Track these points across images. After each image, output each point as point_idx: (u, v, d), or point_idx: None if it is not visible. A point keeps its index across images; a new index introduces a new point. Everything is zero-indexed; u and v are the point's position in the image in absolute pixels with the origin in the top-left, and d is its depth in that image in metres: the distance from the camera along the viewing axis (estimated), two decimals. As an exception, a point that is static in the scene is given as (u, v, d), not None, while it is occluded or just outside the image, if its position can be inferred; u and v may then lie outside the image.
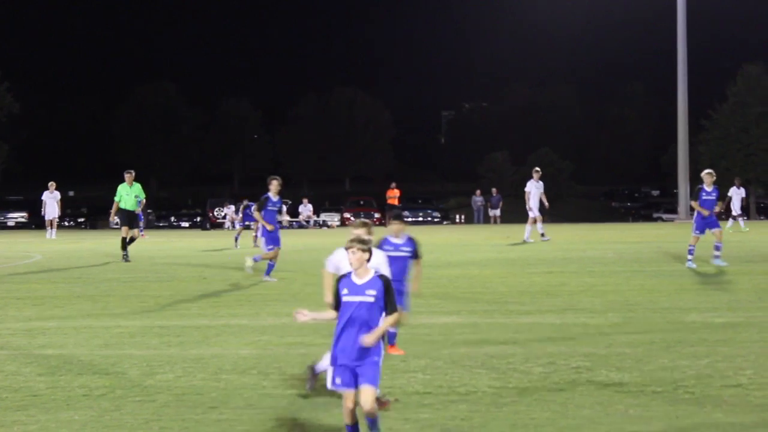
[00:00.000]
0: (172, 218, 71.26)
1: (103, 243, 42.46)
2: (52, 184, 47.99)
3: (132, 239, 29.99)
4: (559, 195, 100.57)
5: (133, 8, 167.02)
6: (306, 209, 66.45)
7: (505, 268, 25.52)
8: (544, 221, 36.82)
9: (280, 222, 24.30)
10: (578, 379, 11.87)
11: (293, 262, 28.63)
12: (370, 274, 8.89)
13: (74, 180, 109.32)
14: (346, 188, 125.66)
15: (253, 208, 27.92)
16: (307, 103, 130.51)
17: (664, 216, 75.21)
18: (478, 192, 72.70)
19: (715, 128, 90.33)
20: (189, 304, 19.36)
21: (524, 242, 35.43)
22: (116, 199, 30.26)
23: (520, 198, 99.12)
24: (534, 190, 35.98)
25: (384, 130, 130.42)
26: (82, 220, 75.46)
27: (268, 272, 23.37)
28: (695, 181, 73.23)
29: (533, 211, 35.67)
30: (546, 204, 36.44)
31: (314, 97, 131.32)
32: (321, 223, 68.09)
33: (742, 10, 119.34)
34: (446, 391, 11.38)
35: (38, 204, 52.32)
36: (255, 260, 23.72)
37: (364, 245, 8.88)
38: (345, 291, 8.85)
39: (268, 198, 23.58)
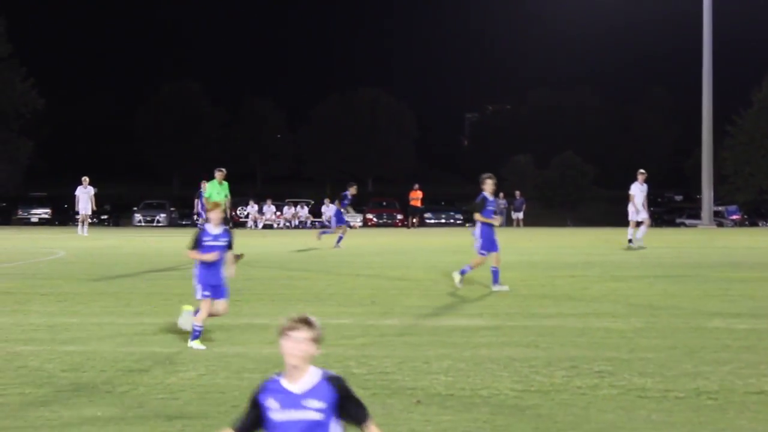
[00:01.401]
0: (195, 216, 71.31)
1: (127, 240, 42.61)
2: (85, 179, 47.37)
3: None
4: (582, 198, 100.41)
5: (160, 6, 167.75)
6: (329, 210, 66.45)
7: (528, 271, 25.47)
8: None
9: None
10: (601, 383, 11.85)
11: (316, 262, 28.66)
12: (313, 377, 5.93)
13: (97, 177, 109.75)
14: (368, 189, 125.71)
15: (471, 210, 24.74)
16: (330, 103, 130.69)
17: (687, 221, 74.91)
18: (501, 195, 72.54)
19: (740, 134, 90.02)
20: (212, 302, 19.38)
21: (640, 248, 34.17)
22: (206, 195, 29.71)
23: (544, 201, 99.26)
24: (639, 193, 35.11)
25: (407, 131, 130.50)
26: (105, 217, 75.63)
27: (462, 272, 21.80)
28: (719, 186, 73.06)
29: (642, 213, 34.63)
30: (645, 208, 35.02)
31: (337, 97, 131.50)
32: (343, 223, 68.04)
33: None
34: (468, 393, 11.38)
35: (66, 199, 51.98)
36: (462, 273, 21.79)
37: (313, 330, 5.90)
38: (272, 404, 5.89)
39: (485, 198, 21.77)
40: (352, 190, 36.40)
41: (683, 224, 74.38)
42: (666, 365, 12.88)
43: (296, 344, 5.81)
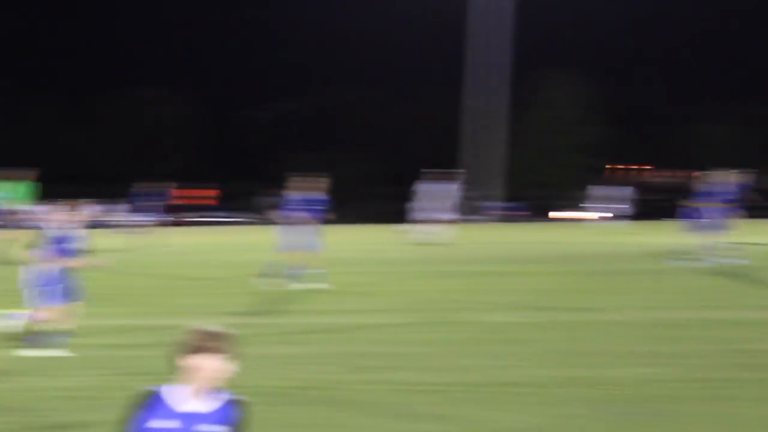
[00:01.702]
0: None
1: None
2: None
3: None
4: (357, 196, 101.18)
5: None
6: (115, 208, 65.17)
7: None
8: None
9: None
10: (378, 378, 11.96)
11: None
12: (219, 396, 4.91)
13: None
14: (153, 189, 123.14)
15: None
16: (111, 101, 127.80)
17: (475, 217, 76.54)
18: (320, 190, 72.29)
19: (526, 130, 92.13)
20: None
21: (446, 245, 33.24)
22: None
23: (334, 199, 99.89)
24: (430, 192, 35.00)
25: (190, 130, 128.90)
26: None
27: (263, 273, 21.14)
28: (513, 181, 74.80)
29: (440, 213, 34.50)
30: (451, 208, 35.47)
31: (118, 96, 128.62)
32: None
33: (543, 17, 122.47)
34: (240, 390, 11.32)
35: None
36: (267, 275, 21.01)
37: (234, 344, 4.87)
38: (157, 424, 4.80)
39: (286, 198, 22.19)
40: (146, 188, 36.28)
41: (470, 221, 75.89)
42: (440, 359, 13.15)
43: (220, 365, 4.78)
